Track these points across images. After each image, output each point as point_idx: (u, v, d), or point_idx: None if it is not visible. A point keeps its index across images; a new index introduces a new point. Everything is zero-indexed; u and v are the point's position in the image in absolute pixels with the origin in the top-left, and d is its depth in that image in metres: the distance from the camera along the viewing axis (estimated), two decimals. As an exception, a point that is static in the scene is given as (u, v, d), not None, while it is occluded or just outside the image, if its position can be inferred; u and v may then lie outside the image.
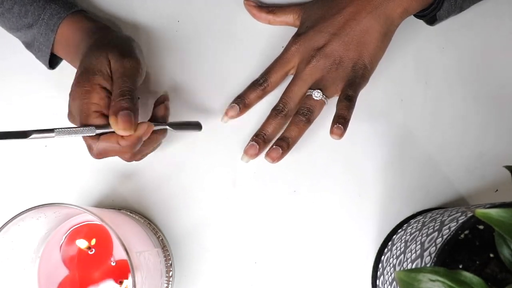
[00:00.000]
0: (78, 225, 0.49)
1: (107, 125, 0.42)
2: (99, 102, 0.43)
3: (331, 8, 0.50)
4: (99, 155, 0.44)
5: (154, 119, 0.47)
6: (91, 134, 0.42)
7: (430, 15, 0.50)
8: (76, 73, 0.45)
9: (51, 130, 0.41)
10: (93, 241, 0.49)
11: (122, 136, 0.42)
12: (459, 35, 0.54)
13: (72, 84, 0.44)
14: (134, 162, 0.53)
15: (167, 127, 0.46)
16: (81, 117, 0.43)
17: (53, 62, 0.52)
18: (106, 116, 0.43)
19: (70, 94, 0.44)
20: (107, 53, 0.44)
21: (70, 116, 0.45)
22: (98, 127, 0.42)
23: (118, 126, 0.41)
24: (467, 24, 0.53)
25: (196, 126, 0.49)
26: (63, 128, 0.41)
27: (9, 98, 0.55)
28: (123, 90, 0.43)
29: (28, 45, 0.51)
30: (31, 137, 0.40)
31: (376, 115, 0.54)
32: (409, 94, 0.54)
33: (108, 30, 0.50)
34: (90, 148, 0.44)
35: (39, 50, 0.50)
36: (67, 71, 0.54)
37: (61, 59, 0.53)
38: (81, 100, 0.43)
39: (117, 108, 0.42)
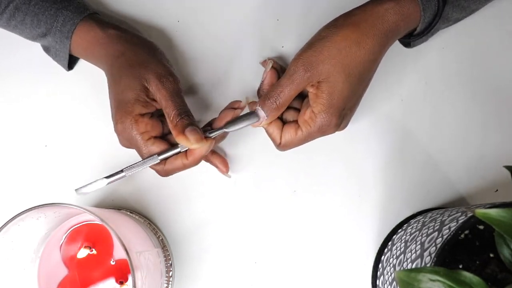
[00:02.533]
0: (78, 225, 0.49)
1: (167, 149, 0.44)
2: (147, 128, 0.44)
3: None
4: (167, 174, 0.46)
5: (212, 122, 0.47)
6: (156, 162, 0.44)
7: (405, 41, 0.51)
8: (111, 103, 0.45)
9: (120, 171, 0.45)
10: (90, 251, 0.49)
11: (186, 157, 0.44)
12: (458, 35, 0.54)
13: (113, 118, 0.45)
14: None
15: (225, 130, 0.46)
16: (140, 151, 0.45)
17: (69, 61, 0.52)
18: (159, 138, 0.45)
19: (116, 130, 0.45)
20: (141, 78, 0.44)
21: (124, 145, 0.46)
22: (160, 153, 0.44)
23: (190, 142, 0.42)
24: (467, 24, 0.53)
25: (252, 115, 0.45)
26: (130, 166, 0.45)
27: (12, 97, 0.55)
28: (179, 110, 0.43)
29: (46, 49, 0.52)
30: (106, 183, 0.45)
31: (376, 115, 0.54)
32: (409, 94, 0.54)
33: (128, 43, 0.48)
34: (158, 172, 0.46)
35: (56, 55, 0.51)
36: (65, 71, 0.54)
37: (77, 59, 0.54)
38: (130, 135, 0.44)
39: (182, 126, 0.43)
